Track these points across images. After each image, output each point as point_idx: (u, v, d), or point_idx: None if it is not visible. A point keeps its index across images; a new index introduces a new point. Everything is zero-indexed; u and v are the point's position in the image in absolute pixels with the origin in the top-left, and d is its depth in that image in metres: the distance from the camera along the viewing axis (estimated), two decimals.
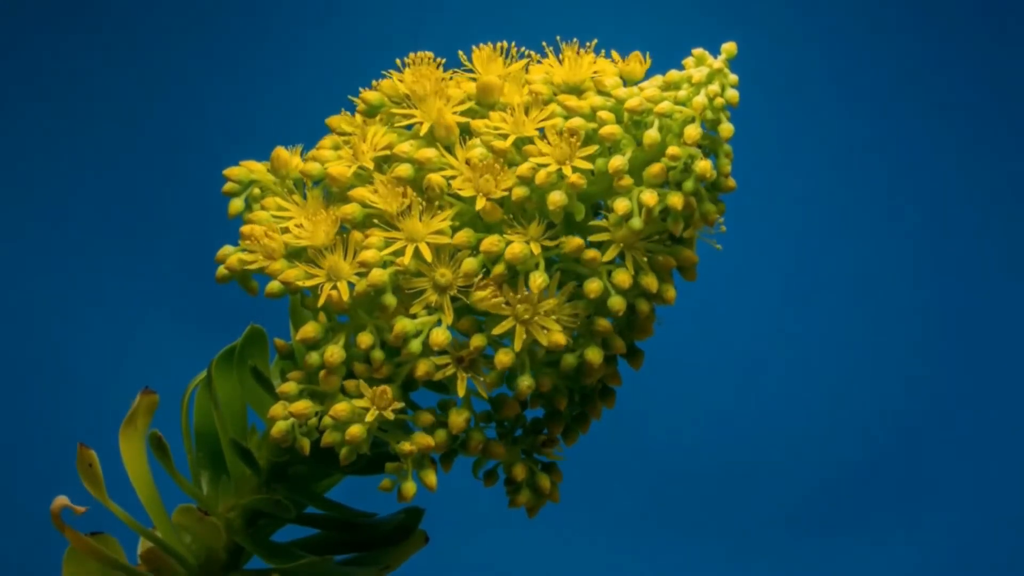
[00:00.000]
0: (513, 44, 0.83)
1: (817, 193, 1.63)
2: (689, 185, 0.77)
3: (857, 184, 1.64)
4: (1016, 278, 1.63)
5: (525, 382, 0.78)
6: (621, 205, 0.76)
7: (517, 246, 0.76)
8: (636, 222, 0.76)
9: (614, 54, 0.82)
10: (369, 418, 0.77)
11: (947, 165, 1.64)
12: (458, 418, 0.78)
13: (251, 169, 0.84)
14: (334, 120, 0.84)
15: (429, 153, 0.78)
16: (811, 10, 1.63)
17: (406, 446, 0.78)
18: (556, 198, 0.76)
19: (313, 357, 0.78)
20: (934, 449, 1.59)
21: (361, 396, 0.77)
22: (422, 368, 0.77)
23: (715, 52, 0.79)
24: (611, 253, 0.77)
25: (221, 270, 0.81)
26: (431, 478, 0.79)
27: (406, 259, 0.76)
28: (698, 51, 0.79)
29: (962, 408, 1.61)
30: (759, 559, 1.56)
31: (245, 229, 0.81)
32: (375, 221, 0.78)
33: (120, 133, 1.57)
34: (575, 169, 0.77)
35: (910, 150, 1.65)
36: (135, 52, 1.59)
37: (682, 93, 0.78)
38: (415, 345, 0.76)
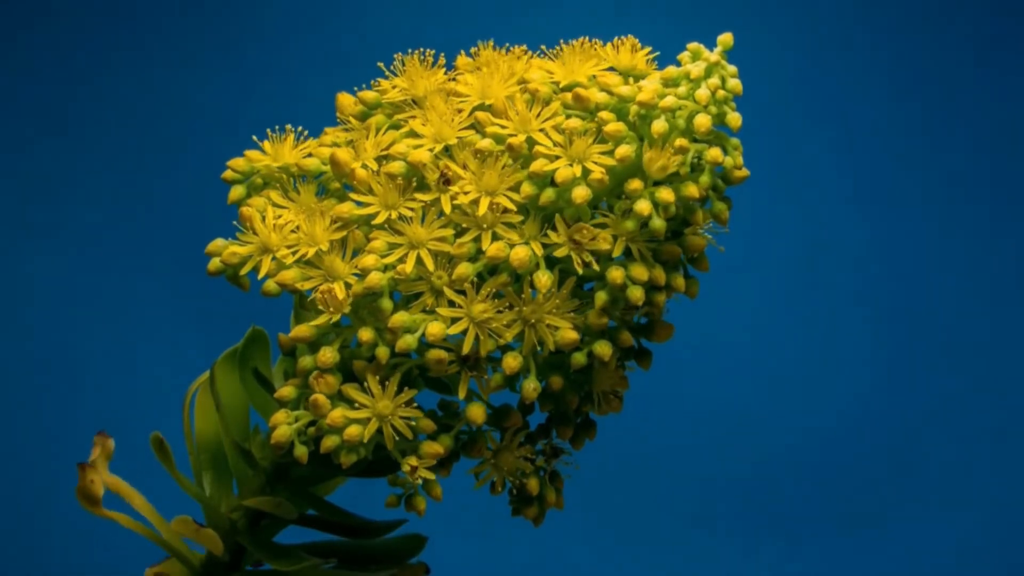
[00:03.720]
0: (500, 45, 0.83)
1: (818, 191, 1.63)
2: (706, 179, 0.77)
3: (859, 182, 1.64)
4: (1020, 276, 1.62)
5: (531, 384, 0.77)
6: (643, 207, 0.76)
7: (521, 250, 0.76)
8: (657, 222, 0.76)
9: (617, 48, 0.82)
10: (369, 431, 0.76)
11: (953, 163, 1.64)
12: (477, 410, 0.78)
13: (253, 160, 0.84)
14: (344, 97, 0.84)
15: (423, 156, 0.78)
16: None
17: (413, 461, 0.77)
18: (581, 192, 0.76)
19: (306, 361, 0.78)
20: (937, 448, 1.59)
21: (361, 405, 0.77)
22: (433, 354, 0.76)
23: (711, 44, 0.79)
24: (619, 247, 0.77)
25: (215, 263, 0.80)
26: (436, 490, 0.79)
27: (408, 267, 0.76)
28: (693, 45, 0.79)
29: (966, 406, 1.61)
30: (761, 559, 1.56)
31: (245, 211, 0.80)
32: (373, 224, 0.78)
33: (122, 132, 1.57)
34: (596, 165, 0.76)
35: (916, 143, 1.64)
36: (137, 52, 1.59)
37: (681, 90, 0.78)
38: (411, 340, 0.76)
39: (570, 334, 0.76)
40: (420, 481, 0.78)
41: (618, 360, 0.81)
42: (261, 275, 0.79)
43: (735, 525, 1.58)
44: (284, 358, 0.86)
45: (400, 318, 0.76)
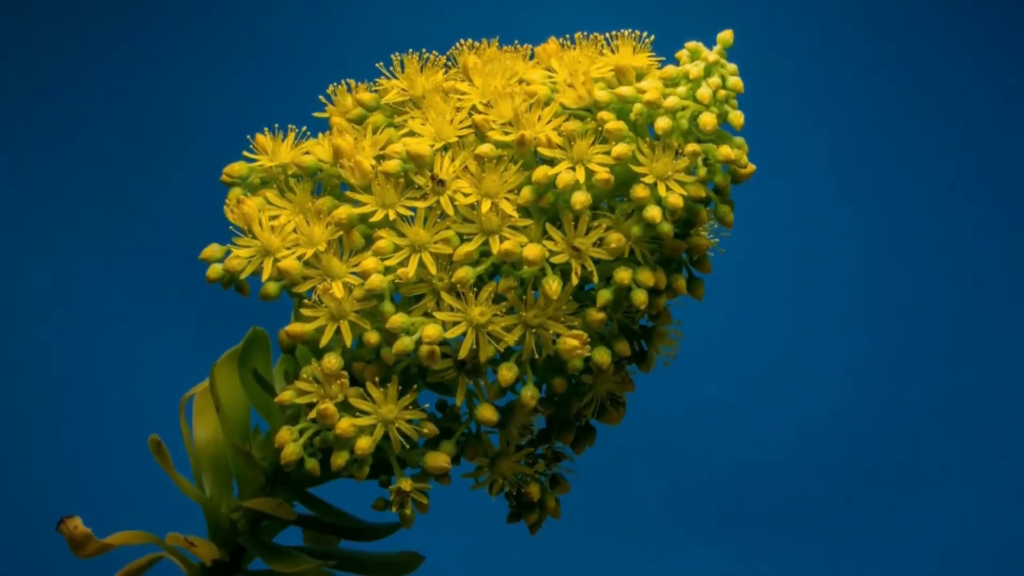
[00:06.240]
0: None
1: (821, 190, 1.63)
2: (720, 179, 0.77)
3: (861, 182, 1.63)
4: (1019, 277, 1.62)
5: (528, 392, 0.77)
6: (654, 213, 0.75)
7: (535, 247, 0.75)
8: (665, 227, 0.76)
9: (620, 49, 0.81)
10: (375, 437, 0.76)
11: (952, 163, 1.64)
12: (488, 411, 0.77)
13: (256, 150, 0.83)
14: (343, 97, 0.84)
15: (423, 148, 0.78)
16: None
17: (406, 485, 0.77)
18: (581, 198, 0.75)
19: (309, 369, 0.77)
20: (938, 447, 1.59)
21: (362, 412, 0.76)
22: (425, 349, 0.75)
23: (710, 41, 0.78)
24: (624, 250, 0.76)
25: (216, 269, 0.80)
26: (423, 507, 0.78)
27: (409, 271, 0.76)
28: (691, 44, 0.78)
29: (962, 405, 1.60)
30: (764, 560, 1.56)
31: (247, 210, 0.79)
32: (371, 223, 0.78)
33: (121, 132, 1.57)
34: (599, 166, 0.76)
35: (915, 145, 1.64)
36: (138, 55, 1.59)
37: (681, 90, 0.77)
38: (408, 342, 0.75)
39: (571, 342, 0.76)
40: (410, 508, 0.78)
41: (616, 364, 0.80)
42: (265, 278, 0.78)
43: (730, 524, 1.58)
44: (284, 358, 0.86)
45: (398, 320, 0.75)
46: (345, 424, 0.76)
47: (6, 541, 1.45)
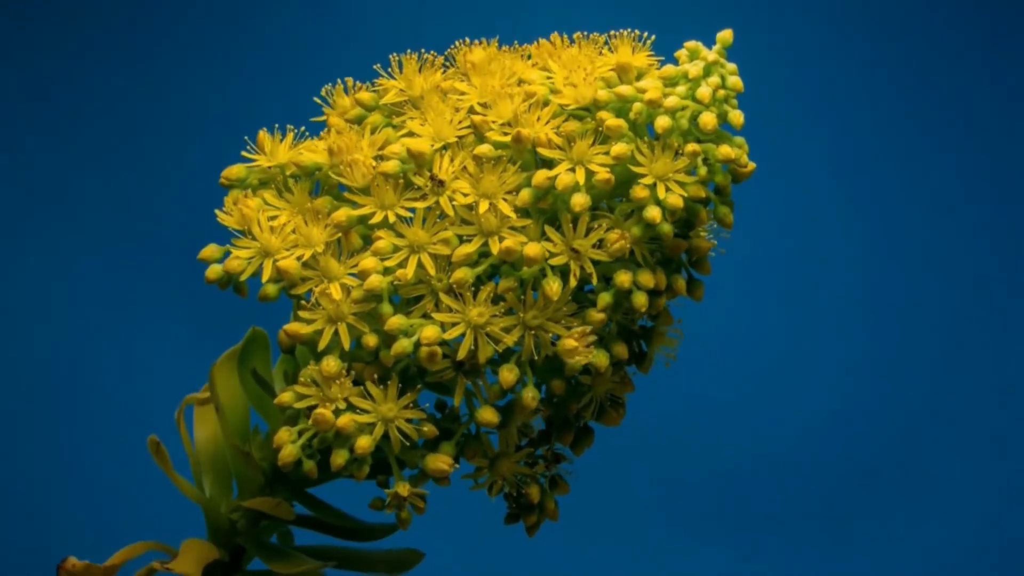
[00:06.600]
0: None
1: (821, 190, 1.63)
2: (720, 179, 0.77)
3: (861, 182, 1.63)
4: (1019, 277, 1.62)
5: (529, 393, 0.77)
6: (654, 213, 0.75)
7: (536, 246, 0.75)
8: (666, 227, 0.75)
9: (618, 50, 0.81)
10: (375, 436, 0.76)
11: (952, 163, 1.63)
12: (488, 413, 0.77)
13: (255, 151, 0.83)
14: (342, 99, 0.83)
15: (423, 146, 0.77)
16: None
17: (403, 490, 0.77)
18: (580, 200, 0.75)
19: (308, 371, 0.77)
20: (938, 447, 1.58)
21: (363, 410, 0.76)
22: (425, 351, 0.75)
23: (710, 41, 0.78)
24: (624, 250, 0.76)
25: (216, 269, 0.80)
26: (419, 508, 0.78)
27: (408, 272, 0.75)
28: (691, 44, 0.78)
29: (966, 405, 1.60)
30: (764, 560, 1.55)
31: (246, 212, 0.79)
32: (370, 224, 0.78)
33: (121, 132, 1.57)
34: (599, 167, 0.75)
35: (915, 145, 1.64)
36: (139, 55, 1.59)
37: (680, 89, 0.77)
38: (406, 344, 0.75)
39: (571, 343, 0.75)
40: (407, 514, 0.78)
41: (615, 365, 0.80)
42: (265, 279, 0.78)
43: (730, 524, 1.57)
44: (284, 358, 0.86)
45: (397, 321, 0.75)
46: (346, 419, 0.76)
47: (6, 541, 1.45)
